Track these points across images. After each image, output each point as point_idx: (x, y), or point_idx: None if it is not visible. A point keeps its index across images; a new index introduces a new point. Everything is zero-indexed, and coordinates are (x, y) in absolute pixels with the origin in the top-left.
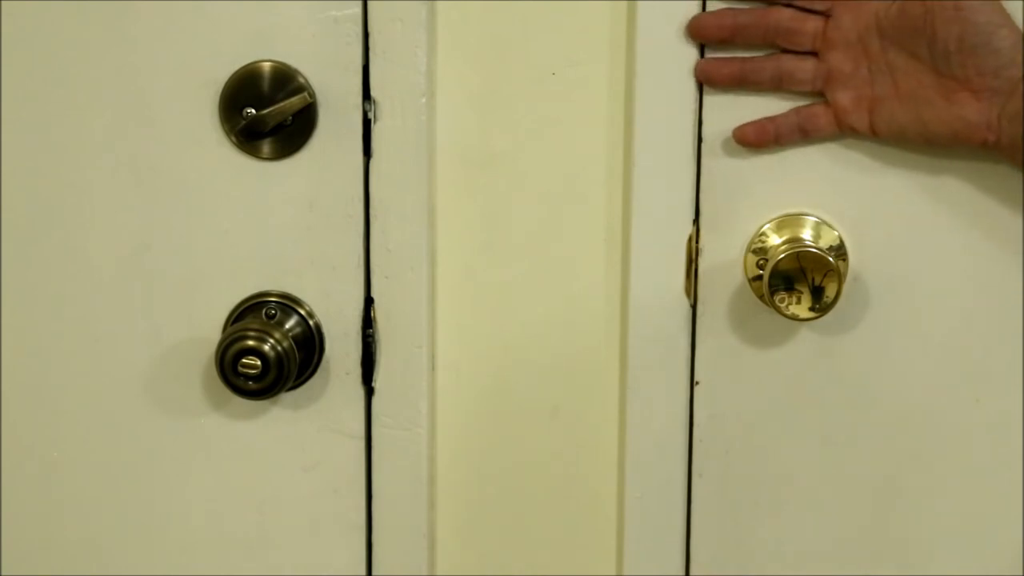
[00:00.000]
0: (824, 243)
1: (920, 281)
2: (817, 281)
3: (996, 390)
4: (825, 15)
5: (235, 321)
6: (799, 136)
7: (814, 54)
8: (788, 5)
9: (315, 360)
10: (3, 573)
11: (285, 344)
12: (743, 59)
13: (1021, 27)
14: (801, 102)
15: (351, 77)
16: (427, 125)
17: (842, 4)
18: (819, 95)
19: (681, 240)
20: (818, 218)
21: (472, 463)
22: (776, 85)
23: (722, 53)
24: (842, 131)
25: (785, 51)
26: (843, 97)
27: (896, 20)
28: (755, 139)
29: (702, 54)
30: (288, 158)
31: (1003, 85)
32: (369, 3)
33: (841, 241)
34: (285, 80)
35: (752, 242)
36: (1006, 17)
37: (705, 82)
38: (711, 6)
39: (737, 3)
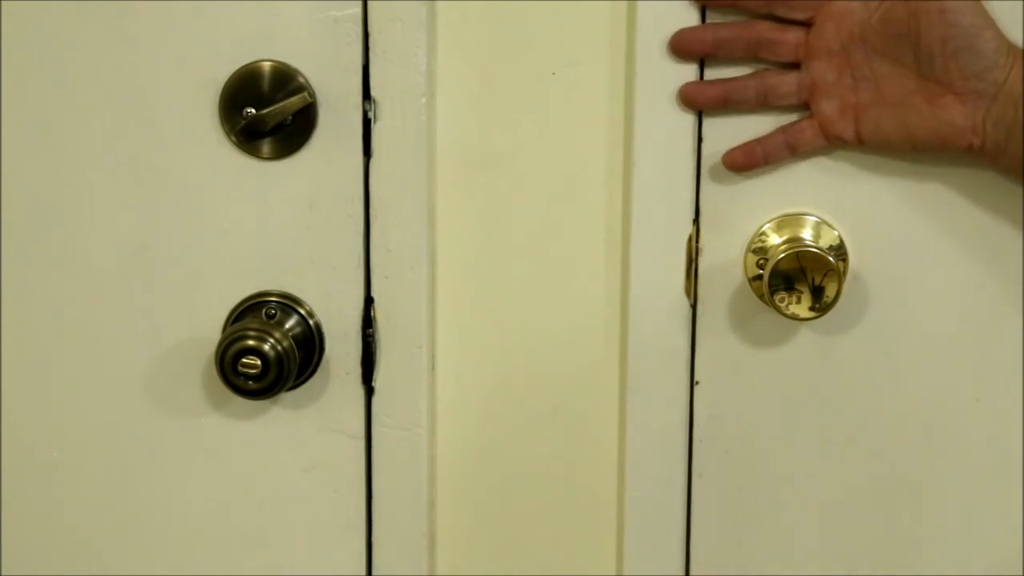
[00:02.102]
0: (824, 243)
1: (920, 281)
2: (817, 281)
3: (996, 390)
4: (807, 25)
5: (235, 321)
6: (788, 153)
7: (797, 66)
8: (768, 16)
9: (315, 360)
10: (3, 573)
11: (285, 344)
12: (725, 80)
13: (1021, 28)
14: (794, 115)
15: (351, 77)
16: (427, 125)
17: (824, 13)
18: (805, 107)
19: (681, 240)
20: (818, 218)
21: (472, 463)
22: (761, 102)
23: (716, 65)
24: (829, 142)
25: (768, 68)
26: (828, 107)
27: (879, 27)
28: (744, 163)
29: (700, 59)
30: (288, 158)
31: (987, 88)
32: (369, 3)
33: (841, 241)
34: (285, 80)
35: (752, 242)
36: (989, 20)
37: (689, 106)
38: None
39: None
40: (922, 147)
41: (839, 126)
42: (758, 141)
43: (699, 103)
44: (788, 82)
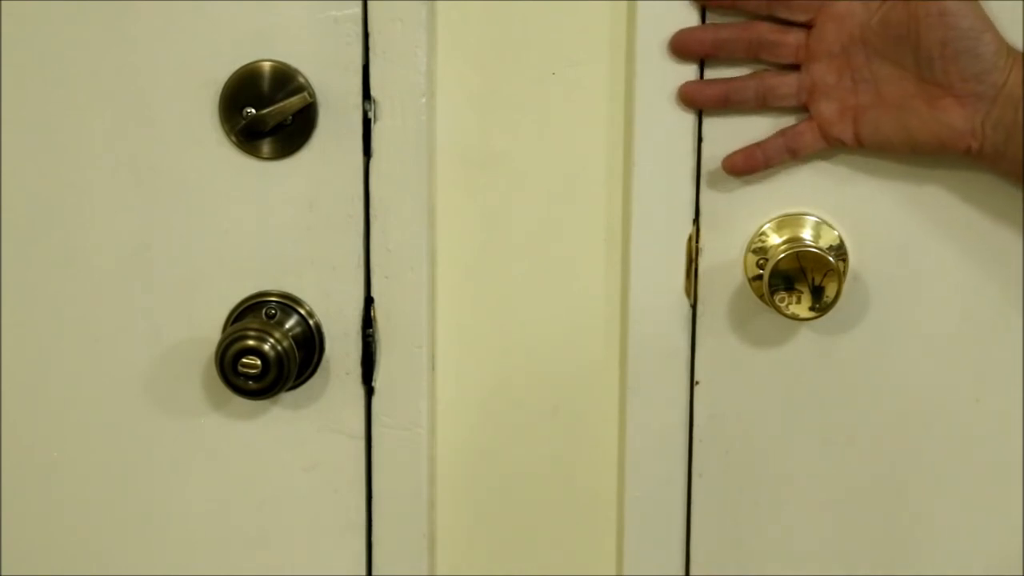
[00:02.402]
0: (824, 243)
1: (920, 281)
2: (817, 281)
3: (996, 390)
4: (807, 26)
5: (235, 321)
6: (788, 157)
7: (797, 67)
8: (769, 17)
9: (315, 360)
10: (3, 573)
11: (285, 344)
12: (725, 80)
13: (1021, 30)
14: (793, 117)
15: (351, 77)
16: (427, 125)
17: (825, 15)
18: (804, 109)
19: (681, 240)
20: (818, 218)
21: (472, 463)
22: (760, 103)
23: (716, 66)
24: (829, 144)
25: (768, 69)
26: (827, 109)
27: (880, 29)
28: (744, 167)
29: (700, 59)
30: (288, 158)
31: (987, 91)
32: (369, 3)
33: (841, 241)
34: (285, 80)
35: (752, 242)
36: (989, 23)
37: (689, 105)
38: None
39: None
40: (921, 150)
41: (838, 128)
42: (758, 145)
43: (698, 102)
44: (788, 83)
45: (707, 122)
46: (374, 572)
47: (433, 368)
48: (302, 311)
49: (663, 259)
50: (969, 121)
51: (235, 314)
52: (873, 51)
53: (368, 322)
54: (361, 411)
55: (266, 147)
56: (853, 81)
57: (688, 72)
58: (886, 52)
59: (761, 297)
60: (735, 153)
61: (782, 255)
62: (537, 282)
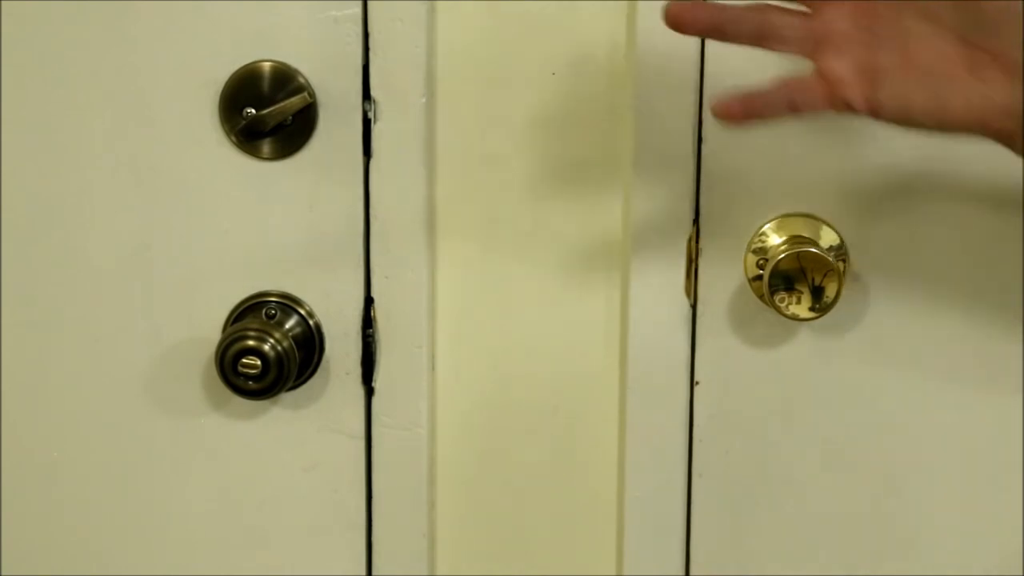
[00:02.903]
0: (824, 243)
1: (920, 281)
2: (817, 281)
3: (996, 390)
4: None
5: (235, 321)
6: (787, 111)
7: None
8: None
9: (315, 360)
10: (3, 573)
11: (285, 344)
12: (723, 7)
13: None
14: None
15: (351, 77)
16: (427, 125)
17: None
18: (810, 60)
19: (681, 240)
20: (818, 218)
21: (472, 463)
22: (757, 41)
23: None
24: (835, 107)
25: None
26: (839, 66)
27: None
28: (742, 112)
29: (702, 53)
30: (288, 158)
31: None
32: (369, 3)
33: (841, 241)
34: (285, 80)
35: (752, 242)
36: None
37: (675, 29)
38: None
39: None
40: (951, 126)
41: (850, 90)
42: (759, 94)
43: (686, 26)
44: (794, 25)
45: (707, 123)
46: (374, 572)
47: (433, 368)
48: (302, 311)
49: (663, 259)
50: (1014, 98)
51: (235, 314)
52: (907, 2)
53: (368, 322)
54: (361, 411)
55: (266, 147)
56: (875, 35)
57: (688, 70)
58: (923, 5)
59: (761, 297)
60: (732, 100)
61: (782, 255)
62: (537, 282)
